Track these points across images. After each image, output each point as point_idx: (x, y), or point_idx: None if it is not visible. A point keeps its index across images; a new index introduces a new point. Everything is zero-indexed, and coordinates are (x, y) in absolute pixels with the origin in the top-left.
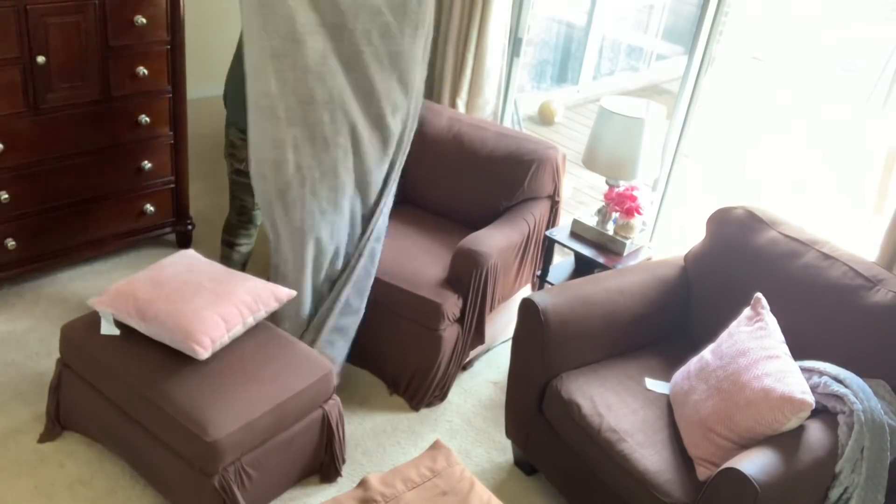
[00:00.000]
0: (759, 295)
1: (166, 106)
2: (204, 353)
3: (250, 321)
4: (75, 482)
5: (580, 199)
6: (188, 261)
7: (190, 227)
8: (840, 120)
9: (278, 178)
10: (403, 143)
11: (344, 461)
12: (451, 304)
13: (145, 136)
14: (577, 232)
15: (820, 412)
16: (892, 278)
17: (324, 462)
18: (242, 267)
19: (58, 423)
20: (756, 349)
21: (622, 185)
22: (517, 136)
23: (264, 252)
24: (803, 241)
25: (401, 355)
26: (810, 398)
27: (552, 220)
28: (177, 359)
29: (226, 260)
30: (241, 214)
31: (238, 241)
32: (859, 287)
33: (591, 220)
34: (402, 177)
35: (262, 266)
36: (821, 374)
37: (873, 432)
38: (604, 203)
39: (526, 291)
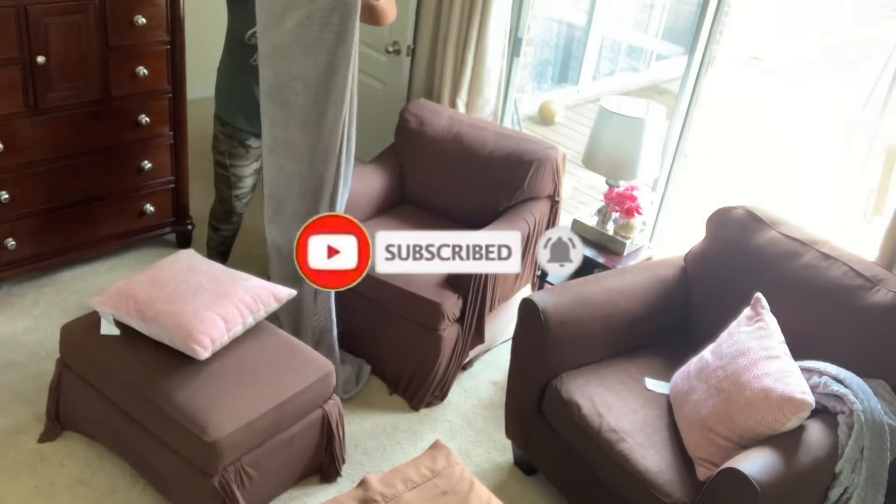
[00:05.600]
0: (758, 295)
1: (166, 106)
2: (204, 353)
3: (250, 321)
4: (75, 482)
5: (580, 199)
6: (188, 261)
7: (190, 226)
8: (840, 119)
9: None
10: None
11: (344, 461)
12: (451, 304)
13: (145, 136)
14: (577, 232)
15: (820, 412)
16: (892, 278)
17: (324, 462)
18: (226, 251)
19: (58, 423)
20: (756, 349)
21: (622, 185)
22: (517, 136)
23: (250, 246)
24: (803, 241)
25: (401, 355)
26: (810, 398)
27: (552, 221)
28: (177, 359)
29: (210, 241)
30: (220, 203)
31: (220, 225)
32: (859, 287)
33: (591, 220)
34: (402, 177)
35: (250, 260)
36: (821, 374)
37: (873, 432)
38: (604, 203)
39: (526, 291)
